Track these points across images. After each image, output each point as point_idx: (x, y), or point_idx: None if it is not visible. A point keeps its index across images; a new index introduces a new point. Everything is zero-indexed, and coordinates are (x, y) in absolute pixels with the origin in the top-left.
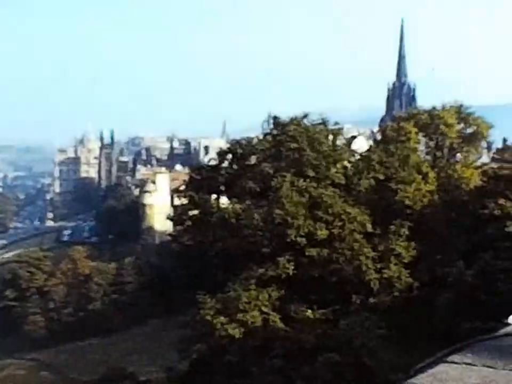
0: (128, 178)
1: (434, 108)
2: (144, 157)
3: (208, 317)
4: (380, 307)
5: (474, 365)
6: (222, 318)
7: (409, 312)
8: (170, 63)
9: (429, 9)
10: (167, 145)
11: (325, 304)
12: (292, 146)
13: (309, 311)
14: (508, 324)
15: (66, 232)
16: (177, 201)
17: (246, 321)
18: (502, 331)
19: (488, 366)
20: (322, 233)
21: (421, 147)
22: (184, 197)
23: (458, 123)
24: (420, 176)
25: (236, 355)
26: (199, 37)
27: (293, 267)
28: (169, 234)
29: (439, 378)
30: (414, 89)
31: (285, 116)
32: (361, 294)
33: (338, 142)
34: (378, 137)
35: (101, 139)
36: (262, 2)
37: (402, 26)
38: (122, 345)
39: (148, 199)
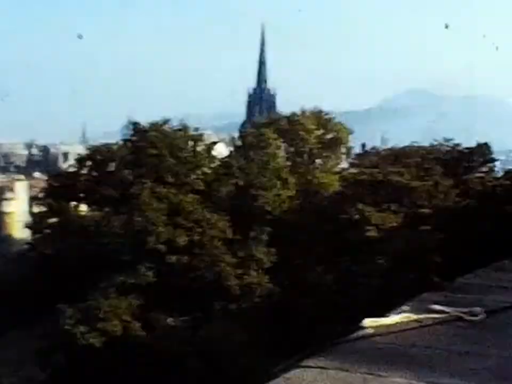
0: None
1: (294, 114)
2: (1, 164)
3: (68, 327)
4: (241, 313)
5: (328, 369)
6: (82, 328)
7: (270, 318)
8: (28, 67)
9: (290, 15)
10: (26, 152)
11: (186, 312)
12: (151, 152)
13: (170, 318)
14: (362, 327)
15: None
16: (36, 209)
17: (106, 330)
18: (356, 334)
19: (341, 369)
20: (182, 240)
21: (281, 153)
22: (43, 204)
23: (318, 129)
24: (280, 182)
25: (97, 364)
26: (58, 42)
27: (153, 275)
28: (28, 243)
29: (292, 382)
30: (274, 95)
31: (145, 121)
32: (222, 300)
33: (198, 148)
34: (239, 143)
35: None
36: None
37: (263, 32)
38: None
39: (6, 207)
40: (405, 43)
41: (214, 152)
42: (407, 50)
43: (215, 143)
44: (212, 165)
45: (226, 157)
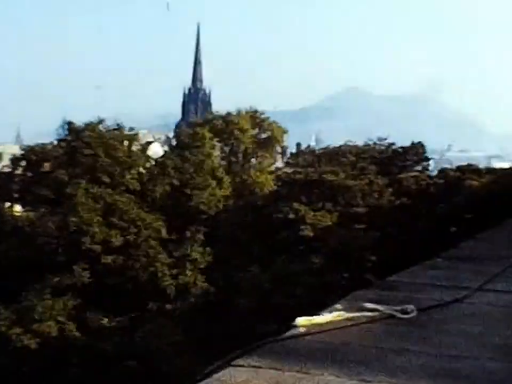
0: None
1: (229, 113)
2: None
3: (3, 328)
4: (177, 313)
5: (260, 368)
6: (17, 329)
7: (206, 318)
8: None
9: (226, 14)
10: None
11: (122, 312)
12: (86, 152)
13: (106, 319)
14: (295, 326)
15: None
16: None
17: (41, 331)
18: (289, 333)
19: (274, 368)
20: (117, 240)
21: (216, 152)
22: None
23: (253, 128)
24: (215, 182)
25: (33, 366)
26: None
27: (88, 275)
28: None
29: (224, 382)
30: (209, 95)
31: (80, 121)
32: (158, 300)
33: (133, 148)
34: (174, 143)
35: None
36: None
37: (198, 31)
38: None
39: None
40: (341, 43)
41: (149, 152)
42: (343, 50)
43: (150, 142)
44: (147, 165)
45: (161, 157)
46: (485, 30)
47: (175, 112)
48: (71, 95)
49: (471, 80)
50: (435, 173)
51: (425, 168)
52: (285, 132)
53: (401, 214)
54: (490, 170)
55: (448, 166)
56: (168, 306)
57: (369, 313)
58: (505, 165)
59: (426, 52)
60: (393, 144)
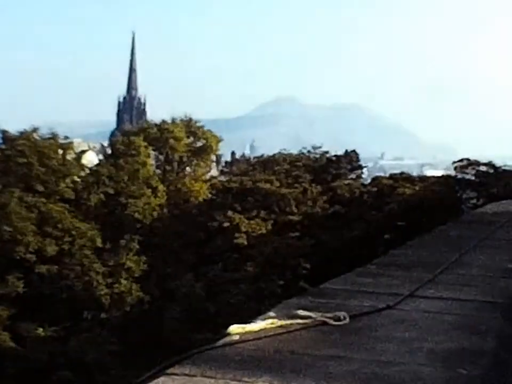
0: None
1: (164, 122)
2: None
3: None
4: (112, 323)
5: (194, 376)
6: None
7: (141, 327)
8: None
9: (161, 23)
10: None
11: (56, 322)
12: (20, 161)
13: (40, 329)
14: (229, 334)
15: None
16: None
17: None
18: (222, 341)
19: (207, 377)
20: (52, 249)
21: (151, 161)
22: None
23: (188, 137)
24: (150, 190)
25: None
26: None
27: (23, 285)
28: None
29: None
30: (144, 103)
31: (14, 130)
32: (93, 310)
33: (68, 157)
34: (109, 151)
35: None
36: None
37: (133, 39)
38: None
39: None
40: (277, 53)
41: (84, 161)
42: (278, 59)
43: (84, 151)
44: (82, 174)
45: (96, 165)
46: (423, 38)
47: (110, 120)
48: (4, 104)
49: (404, 90)
50: (369, 180)
51: (359, 176)
52: (219, 140)
53: (334, 222)
54: (423, 178)
55: (381, 174)
56: (103, 315)
57: (302, 321)
58: (437, 173)
59: (361, 61)
60: (327, 152)
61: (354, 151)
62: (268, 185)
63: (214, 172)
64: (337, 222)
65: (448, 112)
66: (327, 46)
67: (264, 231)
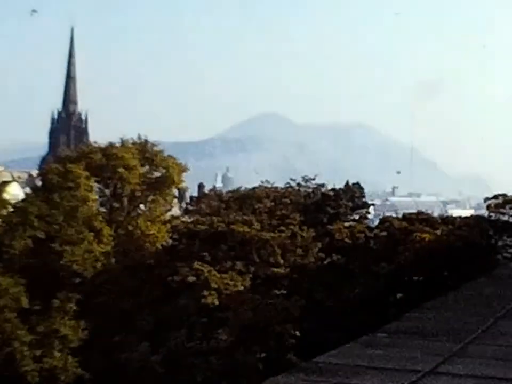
0: None
1: (111, 145)
2: None
3: None
4: None
5: None
6: None
7: None
8: None
9: (106, 18)
10: None
11: None
12: None
13: None
14: None
15: None
16: None
17: None
18: None
19: None
20: None
21: (94, 196)
22: None
23: (143, 165)
24: (92, 234)
25: None
26: None
27: None
28: None
29: None
30: (86, 121)
31: None
32: None
33: None
34: (39, 183)
35: None
36: None
37: (72, 38)
38: None
39: None
40: (256, 57)
41: (5, 195)
42: (257, 73)
43: (7, 182)
44: (3, 212)
45: (22, 201)
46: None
47: (40, 143)
48: None
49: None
50: (376, 222)
51: (364, 217)
52: (183, 169)
53: (332, 276)
54: (446, 220)
55: (392, 213)
56: None
57: None
58: (465, 213)
59: (364, 70)
60: (322, 185)
61: (357, 183)
62: (245, 228)
63: (176, 210)
64: (336, 276)
65: (476, 134)
66: (323, 48)
67: (240, 287)
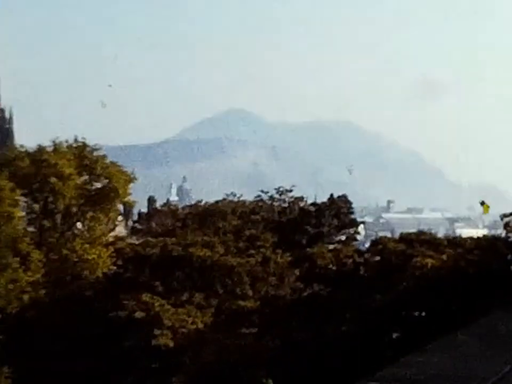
0: None
1: (41, 149)
2: None
3: None
4: None
5: None
6: None
7: None
8: None
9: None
10: None
11: None
12: None
13: None
14: None
15: None
16: None
17: None
18: None
19: None
20: None
21: (20, 212)
22: None
23: (80, 173)
24: (18, 259)
25: None
26: None
27: None
28: None
29: None
30: (10, 119)
31: None
32: None
33: None
34: None
35: None
36: None
37: None
38: None
39: None
40: (220, 46)
41: None
42: (223, 65)
43: None
44: None
45: None
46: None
47: None
48: None
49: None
50: (367, 244)
51: (352, 238)
52: (130, 179)
53: (313, 310)
54: (454, 242)
55: (387, 233)
56: None
57: None
58: (477, 233)
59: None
60: (300, 198)
61: (344, 196)
62: (206, 252)
63: (120, 229)
64: (318, 311)
65: (490, 137)
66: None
67: (200, 325)
